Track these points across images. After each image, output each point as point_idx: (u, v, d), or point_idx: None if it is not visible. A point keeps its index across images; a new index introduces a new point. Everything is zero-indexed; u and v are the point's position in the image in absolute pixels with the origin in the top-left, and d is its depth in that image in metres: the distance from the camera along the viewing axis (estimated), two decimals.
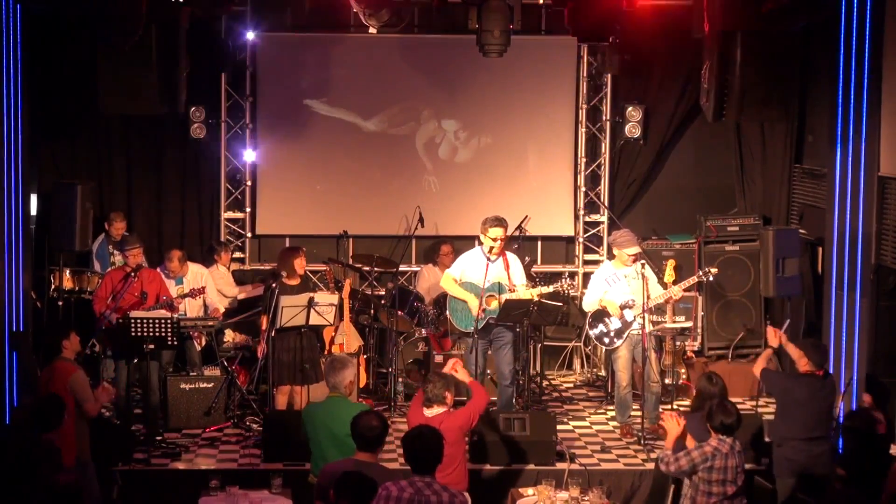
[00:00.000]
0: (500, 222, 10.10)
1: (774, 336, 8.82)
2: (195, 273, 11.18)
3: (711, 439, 7.48)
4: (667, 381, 10.81)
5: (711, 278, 10.52)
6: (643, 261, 10.30)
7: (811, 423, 8.26)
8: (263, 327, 10.38)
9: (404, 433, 6.63)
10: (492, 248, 10.04)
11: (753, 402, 10.54)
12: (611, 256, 10.98)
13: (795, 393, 8.31)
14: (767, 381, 8.66)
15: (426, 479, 6.32)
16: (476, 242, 10.70)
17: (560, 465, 9.23)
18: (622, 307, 10.22)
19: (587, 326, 10.60)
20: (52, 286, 11.27)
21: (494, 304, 10.08)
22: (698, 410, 8.06)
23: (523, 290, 10.13)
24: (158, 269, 11.10)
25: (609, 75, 12.73)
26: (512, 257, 10.33)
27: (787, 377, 8.96)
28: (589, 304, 10.47)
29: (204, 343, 11.08)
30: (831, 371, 9.68)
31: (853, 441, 7.25)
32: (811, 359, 8.39)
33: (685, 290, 10.52)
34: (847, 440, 7.22)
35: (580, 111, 12.86)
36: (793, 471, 8.23)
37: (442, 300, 10.72)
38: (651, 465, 9.36)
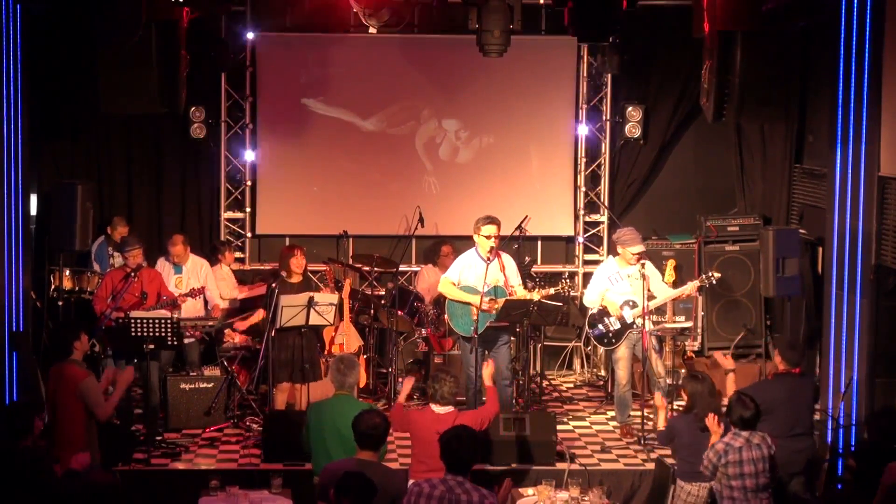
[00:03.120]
0: (492, 220, 10.09)
1: (725, 360, 8.81)
2: (196, 263, 11.20)
3: (727, 436, 7.50)
4: (668, 381, 10.81)
5: (714, 282, 10.51)
6: (644, 260, 10.31)
7: (791, 420, 8.31)
8: (255, 318, 10.45)
9: (435, 430, 6.65)
10: (491, 248, 10.02)
11: None
12: (612, 255, 10.98)
13: (774, 393, 8.34)
14: None
15: (458, 479, 6.36)
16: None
17: (560, 465, 9.23)
18: (623, 307, 10.23)
19: (587, 327, 10.60)
20: (52, 286, 11.26)
21: (494, 309, 10.06)
22: (690, 410, 8.08)
23: (521, 291, 10.12)
24: (162, 259, 11.11)
25: (609, 75, 12.73)
26: (507, 258, 10.31)
27: (761, 385, 8.99)
28: (590, 301, 10.48)
29: (198, 336, 11.04)
30: (831, 371, 9.70)
31: (874, 435, 7.25)
32: (785, 357, 8.45)
33: (690, 296, 10.54)
34: (870, 433, 7.23)
35: (580, 111, 12.86)
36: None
37: (442, 300, 10.71)
38: (651, 465, 9.37)
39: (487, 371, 8.40)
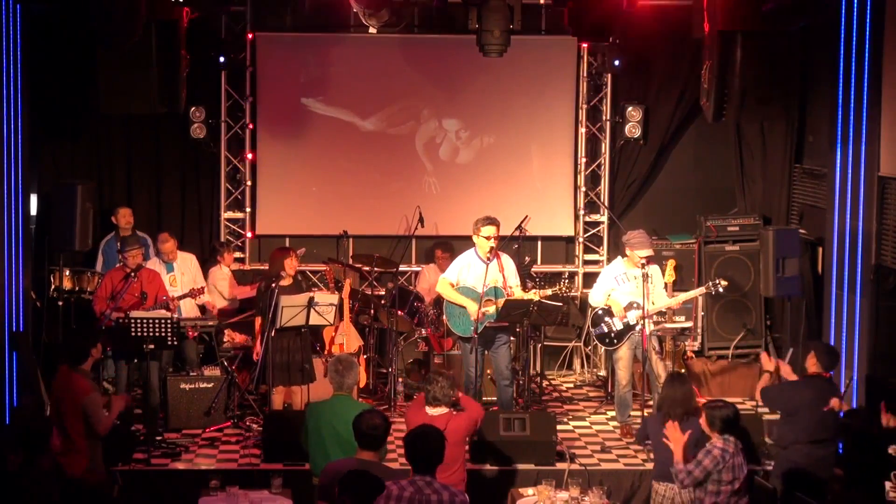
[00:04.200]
0: (491, 221, 10.09)
1: (769, 360, 8.77)
2: (184, 259, 11.24)
3: (716, 441, 7.49)
4: None
5: (721, 290, 10.50)
6: (648, 263, 10.30)
7: (816, 425, 8.23)
8: (258, 329, 10.38)
9: (406, 432, 6.63)
10: (491, 248, 10.02)
11: (753, 402, 10.52)
12: (616, 254, 10.98)
13: (802, 395, 8.28)
14: (769, 399, 8.57)
15: (427, 479, 6.33)
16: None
17: (560, 465, 9.23)
18: (626, 308, 10.23)
19: (589, 325, 10.60)
20: (52, 286, 11.27)
21: (493, 309, 10.06)
22: (659, 409, 8.08)
23: (519, 292, 10.13)
24: (153, 258, 11.11)
25: (609, 75, 12.73)
26: (506, 258, 10.31)
27: (790, 385, 8.95)
28: (596, 300, 10.48)
29: (195, 334, 11.03)
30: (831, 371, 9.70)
31: (850, 439, 7.24)
32: (820, 360, 8.36)
33: (690, 300, 10.58)
34: (844, 439, 7.21)
35: (580, 111, 12.86)
36: (796, 473, 8.22)
37: (442, 300, 10.71)
38: (651, 466, 9.36)
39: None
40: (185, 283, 11.14)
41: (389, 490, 6.29)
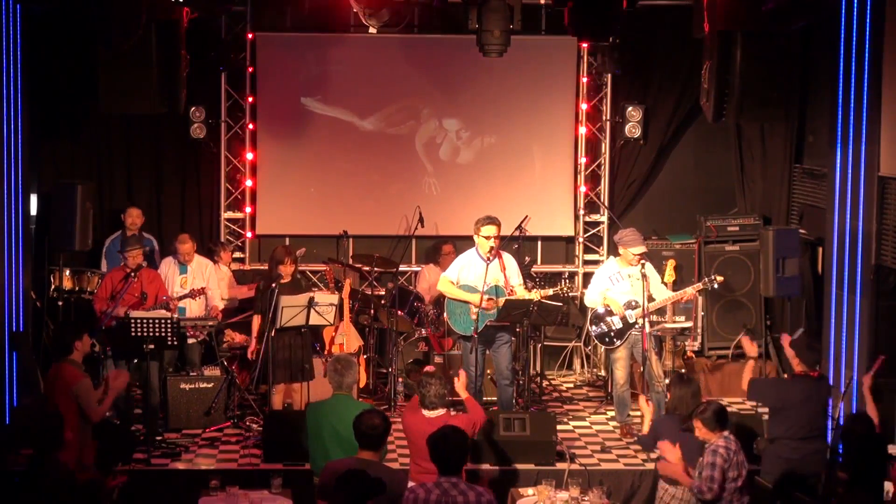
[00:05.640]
0: (492, 220, 10.10)
1: (752, 346, 8.77)
2: (200, 263, 11.20)
3: (717, 440, 7.49)
4: (666, 381, 10.81)
5: (717, 286, 10.49)
6: (644, 261, 10.30)
7: (805, 423, 8.25)
8: (255, 329, 10.37)
9: (428, 435, 6.63)
10: (491, 248, 10.03)
11: (753, 402, 10.52)
12: (612, 255, 10.98)
13: (790, 395, 8.30)
14: (757, 392, 8.56)
15: (452, 480, 6.35)
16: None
17: (560, 465, 9.22)
18: (626, 307, 10.23)
19: (588, 324, 10.61)
20: (52, 286, 11.27)
21: (493, 308, 10.06)
22: (674, 412, 8.07)
23: (521, 291, 10.13)
24: (168, 258, 11.08)
25: (609, 75, 12.73)
26: (508, 257, 10.31)
27: (779, 382, 8.95)
28: (591, 301, 10.48)
29: (201, 338, 11.03)
30: (831, 371, 9.70)
31: (854, 443, 7.22)
32: (803, 360, 8.37)
33: (689, 297, 10.57)
34: (847, 443, 7.19)
35: (580, 111, 12.86)
36: (784, 468, 8.22)
37: (442, 300, 10.72)
38: (651, 466, 9.36)
39: (460, 384, 8.26)
40: (195, 287, 11.07)
41: (416, 493, 6.31)
